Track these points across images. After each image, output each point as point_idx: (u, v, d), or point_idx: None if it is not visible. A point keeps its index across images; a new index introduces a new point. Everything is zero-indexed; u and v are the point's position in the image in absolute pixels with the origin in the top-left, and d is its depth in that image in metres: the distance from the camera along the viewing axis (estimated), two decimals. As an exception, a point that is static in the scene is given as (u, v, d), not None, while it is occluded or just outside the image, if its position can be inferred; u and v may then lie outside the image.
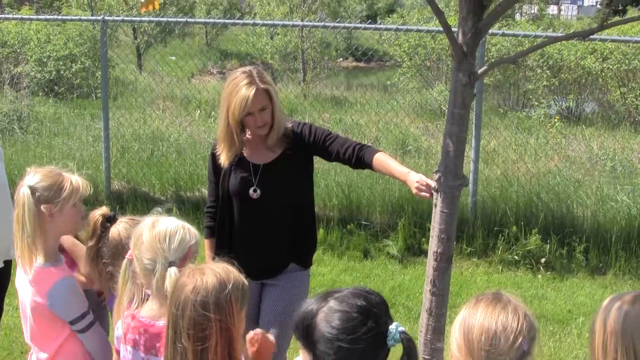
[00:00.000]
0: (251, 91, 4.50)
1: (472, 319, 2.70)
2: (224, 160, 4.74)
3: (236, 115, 4.55)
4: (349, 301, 2.62)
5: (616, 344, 2.63)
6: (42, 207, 3.79)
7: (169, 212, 3.52)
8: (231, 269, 2.98)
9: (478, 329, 2.66)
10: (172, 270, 3.22)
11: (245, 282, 3.00)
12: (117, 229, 3.89)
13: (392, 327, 2.62)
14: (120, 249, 3.83)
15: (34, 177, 3.83)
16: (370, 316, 2.60)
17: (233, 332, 2.88)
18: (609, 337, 2.65)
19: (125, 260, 3.46)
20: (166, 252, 3.26)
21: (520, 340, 2.62)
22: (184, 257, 3.31)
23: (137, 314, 3.38)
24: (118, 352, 3.49)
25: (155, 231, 3.31)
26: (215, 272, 2.94)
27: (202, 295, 2.87)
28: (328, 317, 2.59)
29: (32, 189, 3.77)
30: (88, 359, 3.95)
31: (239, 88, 4.53)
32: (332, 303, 2.63)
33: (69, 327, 3.89)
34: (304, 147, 4.82)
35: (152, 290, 3.34)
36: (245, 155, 4.79)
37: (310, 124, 4.92)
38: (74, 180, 3.92)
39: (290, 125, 4.82)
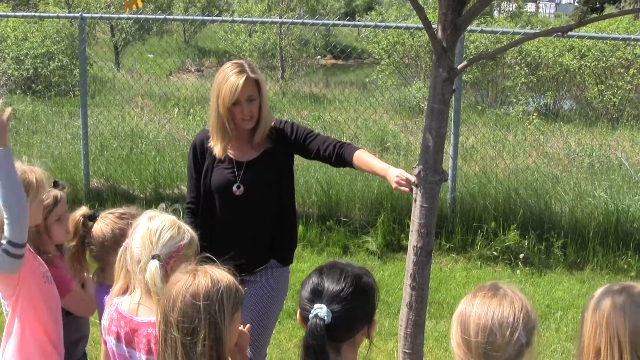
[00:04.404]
0: (241, 79, 4.55)
1: (468, 315, 2.71)
2: (219, 151, 4.76)
3: (226, 102, 4.58)
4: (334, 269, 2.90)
5: (601, 334, 2.65)
6: None
7: (175, 212, 3.52)
8: (227, 273, 2.99)
9: (474, 326, 2.67)
10: (153, 264, 3.23)
11: (240, 288, 3.00)
12: (100, 227, 3.92)
13: (316, 306, 2.76)
14: (105, 245, 3.87)
15: None
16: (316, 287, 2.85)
17: (223, 331, 2.87)
18: (595, 327, 2.67)
19: (121, 247, 3.46)
20: (153, 245, 3.28)
21: (517, 335, 2.63)
22: (171, 254, 3.32)
23: (119, 307, 3.39)
24: (105, 342, 3.49)
25: (150, 224, 3.34)
26: (209, 271, 2.96)
27: (193, 287, 2.88)
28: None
29: None
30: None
31: (229, 76, 4.59)
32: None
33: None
34: (286, 144, 4.84)
35: (136, 282, 3.35)
36: (228, 151, 4.80)
37: (292, 122, 4.94)
38: (38, 176, 3.89)
39: (272, 123, 4.84)
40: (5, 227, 3.53)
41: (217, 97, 4.64)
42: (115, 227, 3.90)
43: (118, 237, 3.82)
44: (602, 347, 2.64)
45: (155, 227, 3.33)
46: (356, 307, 2.82)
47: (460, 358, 2.73)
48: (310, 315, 2.75)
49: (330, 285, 2.81)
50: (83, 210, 4.00)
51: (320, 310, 2.74)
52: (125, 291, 3.45)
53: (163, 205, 3.53)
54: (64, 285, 4.10)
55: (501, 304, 2.68)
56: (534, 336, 2.70)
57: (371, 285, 2.90)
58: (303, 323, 2.87)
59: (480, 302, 2.72)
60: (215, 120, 4.70)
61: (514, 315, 2.65)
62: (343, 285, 2.81)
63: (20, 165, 3.92)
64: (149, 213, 3.43)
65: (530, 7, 60.54)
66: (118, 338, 3.36)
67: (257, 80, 4.64)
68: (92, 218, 3.98)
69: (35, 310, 3.89)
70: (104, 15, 12.84)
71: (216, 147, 4.76)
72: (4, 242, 3.55)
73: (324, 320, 2.73)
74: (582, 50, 17.72)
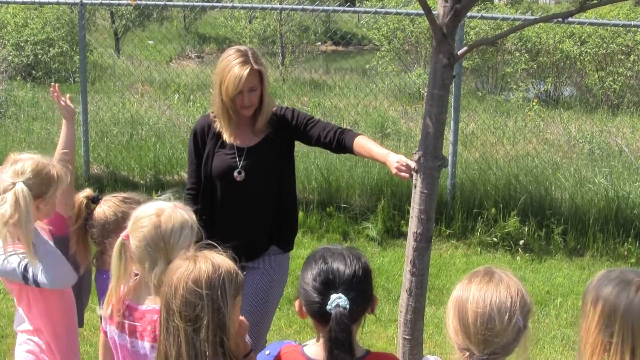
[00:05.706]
0: (245, 70, 4.55)
1: (465, 302, 2.69)
2: (227, 136, 4.79)
3: (229, 92, 4.59)
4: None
5: (611, 326, 2.57)
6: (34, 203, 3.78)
7: (176, 194, 3.49)
8: (226, 258, 2.97)
9: (472, 313, 2.64)
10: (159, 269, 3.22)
11: (240, 273, 2.99)
12: (102, 209, 3.92)
13: (335, 296, 2.76)
14: (107, 227, 3.87)
15: (24, 170, 3.78)
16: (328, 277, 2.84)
17: (226, 316, 2.86)
18: (603, 319, 2.59)
19: (119, 240, 3.35)
20: (159, 252, 3.23)
21: (515, 319, 2.61)
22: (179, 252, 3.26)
23: (122, 296, 3.36)
24: (105, 333, 3.46)
25: (160, 229, 3.25)
26: (209, 257, 2.94)
27: (194, 273, 2.86)
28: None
29: (29, 187, 3.73)
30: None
31: (233, 66, 4.58)
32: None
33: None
34: (286, 130, 4.85)
35: (143, 276, 3.32)
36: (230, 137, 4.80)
37: (293, 109, 4.95)
38: (58, 171, 3.90)
39: (273, 109, 4.85)
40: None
41: (220, 84, 4.64)
42: (117, 210, 3.90)
43: (120, 221, 3.81)
44: (614, 340, 2.58)
45: (169, 231, 3.25)
46: (367, 288, 2.86)
47: (458, 345, 2.71)
48: (329, 307, 2.75)
49: (341, 273, 2.81)
50: (86, 192, 4.00)
51: (340, 299, 2.74)
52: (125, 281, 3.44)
53: (169, 195, 3.50)
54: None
55: (497, 289, 2.66)
56: (529, 319, 2.68)
57: (368, 263, 2.94)
58: (306, 314, 2.89)
59: (476, 288, 2.69)
60: (219, 107, 4.73)
61: (511, 299, 2.63)
62: (352, 269, 2.83)
63: (41, 159, 3.91)
64: (154, 208, 3.33)
65: (531, -7, 60.28)
66: (121, 328, 3.35)
67: (259, 71, 4.64)
68: (95, 200, 3.97)
69: (47, 306, 3.95)
70: (103, 1, 12.75)
71: (225, 134, 4.79)
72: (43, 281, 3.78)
73: (346, 309, 2.74)
74: (583, 37, 17.67)
